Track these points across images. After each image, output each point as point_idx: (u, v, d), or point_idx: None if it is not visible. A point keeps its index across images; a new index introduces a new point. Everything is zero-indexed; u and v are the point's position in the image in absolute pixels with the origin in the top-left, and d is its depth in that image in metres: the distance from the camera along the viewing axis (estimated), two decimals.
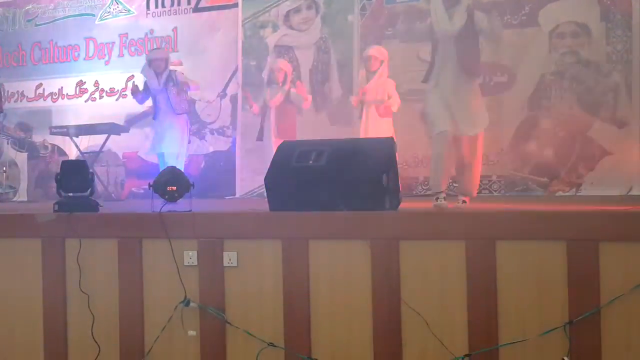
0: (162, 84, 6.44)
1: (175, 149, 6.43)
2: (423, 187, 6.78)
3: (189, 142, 6.83)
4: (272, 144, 6.12)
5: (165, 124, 6.48)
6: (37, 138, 8.74)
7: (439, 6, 4.49)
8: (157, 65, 6.49)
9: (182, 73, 6.75)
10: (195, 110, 7.78)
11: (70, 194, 4.27)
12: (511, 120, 6.77)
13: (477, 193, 4.88)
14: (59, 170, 4.34)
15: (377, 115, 5.90)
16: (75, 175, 4.29)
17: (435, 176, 4.54)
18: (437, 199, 4.45)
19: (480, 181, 6.47)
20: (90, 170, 4.50)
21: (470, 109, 4.43)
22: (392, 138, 4.54)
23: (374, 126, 5.85)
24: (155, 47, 8.06)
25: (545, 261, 3.39)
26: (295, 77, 7.13)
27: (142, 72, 6.69)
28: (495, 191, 6.79)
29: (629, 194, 6.30)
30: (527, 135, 6.75)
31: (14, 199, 8.54)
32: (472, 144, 4.47)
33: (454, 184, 4.73)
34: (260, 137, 6.58)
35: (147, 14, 8.35)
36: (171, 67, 6.69)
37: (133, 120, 7.97)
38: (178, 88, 6.43)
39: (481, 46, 4.56)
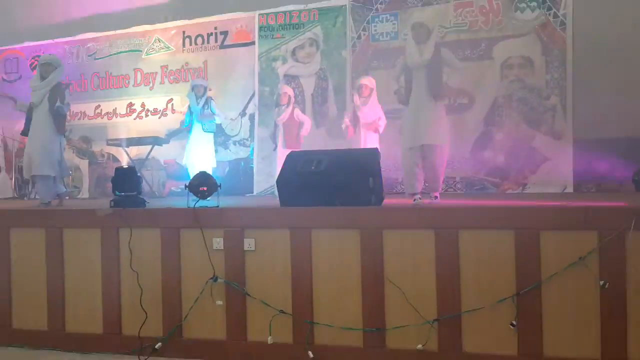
0: (200, 106, 6.47)
1: (204, 159, 6.43)
2: (401, 186, 6.77)
3: (216, 151, 6.85)
4: (282, 153, 6.10)
5: (197, 139, 6.50)
6: (96, 148, 8.74)
7: (412, 43, 4.49)
8: (198, 90, 6.54)
9: (214, 100, 6.78)
10: (222, 129, 7.79)
11: (123, 193, 4.27)
12: (471, 133, 6.77)
13: (444, 191, 4.88)
14: (114, 175, 4.34)
15: (368, 132, 5.88)
16: (127, 178, 4.29)
17: (409, 183, 4.55)
18: (414, 199, 4.45)
19: (446, 182, 6.53)
20: (138, 174, 4.49)
21: (436, 126, 4.42)
22: (376, 148, 4.54)
23: (365, 139, 5.86)
24: (191, 77, 8.06)
25: (498, 246, 3.40)
26: (298, 100, 7.18)
27: (187, 95, 6.74)
28: (458, 190, 6.79)
29: (564, 192, 6.31)
30: (484, 145, 6.75)
31: (78, 196, 8.55)
32: (439, 152, 4.46)
33: (426, 184, 4.73)
34: (274, 148, 6.60)
35: (182, 50, 8.34)
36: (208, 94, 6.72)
37: (172, 134, 7.97)
38: (210, 112, 6.48)
39: (445, 75, 4.55)
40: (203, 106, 6.46)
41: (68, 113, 5.41)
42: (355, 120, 5.95)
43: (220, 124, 6.91)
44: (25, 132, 5.24)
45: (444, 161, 4.56)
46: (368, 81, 6.01)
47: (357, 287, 3.61)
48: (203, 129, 6.46)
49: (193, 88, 6.62)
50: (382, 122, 5.86)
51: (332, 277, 3.67)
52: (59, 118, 5.12)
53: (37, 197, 5.99)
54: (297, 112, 6.57)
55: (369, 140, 5.85)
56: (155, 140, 7.80)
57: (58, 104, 5.07)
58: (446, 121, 4.64)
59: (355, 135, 5.91)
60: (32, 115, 5.18)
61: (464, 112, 6.78)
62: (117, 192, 4.27)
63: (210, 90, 6.97)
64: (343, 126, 6.04)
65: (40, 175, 5.12)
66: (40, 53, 9.10)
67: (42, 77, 5.17)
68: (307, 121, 6.56)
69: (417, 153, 4.37)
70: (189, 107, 6.61)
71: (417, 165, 4.42)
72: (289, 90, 6.64)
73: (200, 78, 7.08)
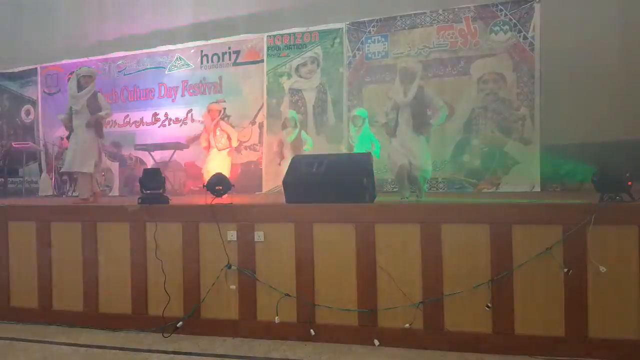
0: (216, 127, 6.51)
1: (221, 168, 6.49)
2: (391, 186, 6.77)
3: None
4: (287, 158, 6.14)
5: (215, 153, 6.55)
6: (125, 152, 8.70)
7: (398, 83, 4.48)
8: (212, 113, 6.58)
9: (228, 122, 6.82)
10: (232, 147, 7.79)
11: (149, 192, 4.26)
12: (451, 139, 6.75)
13: (428, 190, 4.87)
14: (141, 175, 4.34)
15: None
16: (153, 179, 4.28)
17: (400, 189, 4.56)
18: (402, 197, 4.46)
19: (430, 182, 6.51)
20: (163, 175, 4.48)
21: (421, 154, 4.42)
22: (370, 153, 4.53)
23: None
24: (207, 92, 8.06)
25: (475, 238, 3.41)
26: (302, 113, 7.20)
27: (202, 117, 6.78)
28: (440, 189, 6.78)
29: (532, 191, 6.31)
30: (463, 150, 6.73)
31: (110, 194, 8.53)
32: (423, 172, 4.47)
33: (412, 191, 4.75)
34: (279, 162, 6.66)
35: (200, 67, 8.33)
36: (221, 105, 6.75)
37: (191, 141, 7.95)
38: (221, 130, 6.53)
39: (428, 115, 4.55)
40: (217, 127, 6.55)
41: (108, 116, 5.43)
42: (350, 149, 5.95)
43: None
44: (69, 136, 5.27)
45: (428, 177, 4.60)
46: (360, 112, 6.08)
47: (352, 274, 3.63)
48: (217, 148, 6.52)
49: (209, 111, 6.73)
50: (377, 149, 5.83)
51: (331, 265, 3.69)
52: (98, 124, 5.17)
53: (74, 194, 5.99)
54: (304, 134, 6.67)
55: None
56: (177, 146, 7.79)
57: (102, 112, 5.13)
58: (428, 147, 4.63)
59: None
60: (72, 120, 5.19)
61: (445, 121, 6.76)
62: (144, 191, 4.27)
63: (224, 101, 6.96)
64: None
65: (80, 172, 5.14)
66: (76, 69, 9.11)
67: (80, 87, 5.19)
68: (309, 140, 6.68)
69: (405, 171, 4.38)
70: (205, 128, 6.65)
71: (405, 182, 4.43)
72: (294, 115, 6.77)
73: (215, 102, 7.05)
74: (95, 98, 5.18)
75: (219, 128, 6.49)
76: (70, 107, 5.22)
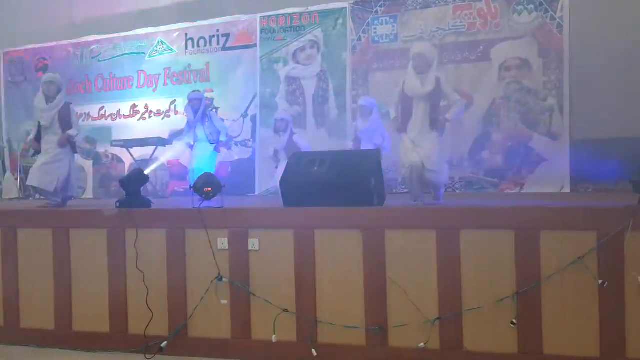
0: (199, 119, 6.47)
1: (207, 167, 6.44)
2: (401, 186, 6.77)
3: (218, 152, 6.88)
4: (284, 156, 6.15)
5: (201, 150, 6.52)
6: (100, 149, 8.73)
7: (412, 72, 4.46)
8: (194, 104, 6.55)
9: (215, 111, 6.82)
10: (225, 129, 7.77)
11: (130, 194, 4.25)
12: (470, 134, 6.76)
13: (444, 191, 4.88)
14: (127, 175, 4.35)
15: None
16: (135, 179, 4.28)
17: (413, 192, 4.56)
18: (415, 200, 4.46)
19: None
20: (148, 175, 4.47)
21: (435, 154, 4.41)
22: (378, 150, 4.54)
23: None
24: (192, 80, 8.07)
25: (498, 245, 3.41)
26: (300, 104, 7.23)
27: (184, 109, 6.75)
28: (457, 189, 6.79)
29: (561, 192, 6.32)
30: (482, 145, 6.74)
31: (83, 197, 8.54)
32: (439, 176, 4.47)
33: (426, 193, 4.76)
34: (276, 166, 6.75)
35: (185, 52, 8.33)
36: (208, 95, 6.74)
37: (175, 135, 7.96)
38: (211, 124, 6.50)
39: (443, 108, 4.56)
40: (202, 119, 6.46)
41: (80, 136, 5.42)
42: (356, 144, 5.91)
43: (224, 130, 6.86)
44: (37, 149, 5.16)
45: (444, 180, 4.59)
46: (367, 102, 5.96)
47: (359, 286, 3.62)
48: (209, 141, 6.50)
49: (189, 102, 6.61)
50: (387, 143, 5.80)
51: (335, 277, 3.68)
52: (71, 141, 5.12)
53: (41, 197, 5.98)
54: (297, 138, 6.71)
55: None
56: (159, 141, 7.79)
57: (71, 132, 5.05)
58: (440, 145, 4.63)
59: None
60: (40, 139, 5.11)
61: (463, 114, 6.78)
62: (124, 193, 4.26)
63: (212, 91, 6.96)
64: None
65: (37, 187, 5.12)
66: (44, 55, 9.10)
67: (47, 97, 5.10)
68: (306, 144, 6.73)
69: (418, 172, 4.38)
70: (188, 123, 6.60)
71: (419, 182, 4.43)
72: (286, 116, 6.84)
73: (195, 92, 7.02)
74: (67, 110, 5.11)
75: (206, 120, 6.46)
76: (39, 123, 5.12)
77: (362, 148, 5.81)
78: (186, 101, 6.75)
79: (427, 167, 4.35)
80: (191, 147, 6.63)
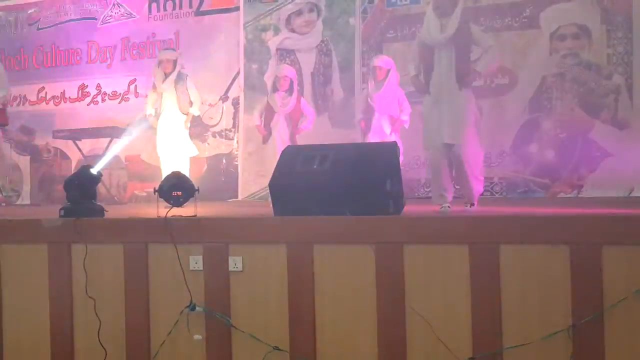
0: (170, 85, 6.50)
1: (178, 149, 6.48)
2: (425, 189, 6.79)
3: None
4: (277, 148, 6.03)
5: (170, 125, 6.53)
6: (39, 141, 8.75)
7: (432, 15, 4.49)
8: (165, 66, 6.56)
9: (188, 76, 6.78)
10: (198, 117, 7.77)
11: (77, 200, 4.26)
12: (513, 122, 6.78)
13: (480, 195, 4.90)
14: (69, 176, 4.35)
15: (388, 125, 5.79)
16: (83, 180, 4.29)
17: (436, 191, 4.56)
18: (442, 207, 4.47)
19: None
20: (97, 173, 4.48)
21: (464, 120, 4.42)
22: (395, 143, 4.56)
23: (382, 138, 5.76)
24: (158, 51, 8.07)
25: (549, 265, 3.40)
26: (299, 84, 7.12)
27: (152, 72, 6.78)
28: (497, 193, 6.80)
29: (630, 195, 6.32)
30: (529, 137, 6.76)
31: (17, 203, 8.55)
32: (469, 154, 4.45)
33: (457, 187, 4.76)
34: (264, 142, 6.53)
35: (148, 17, 8.36)
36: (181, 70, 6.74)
37: (136, 124, 7.97)
38: (184, 89, 6.52)
39: (474, 55, 4.57)
40: (177, 85, 6.50)
41: (7, 98, 5.40)
42: (369, 114, 5.89)
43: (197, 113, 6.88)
44: None
45: (477, 164, 4.55)
46: (383, 62, 5.94)
47: (371, 318, 3.62)
48: (181, 112, 6.52)
49: (159, 63, 6.65)
50: (407, 114, 5.80)
51: (339, 305, 3.68)
52: None
53: None
54: (304, 102, 6.48)
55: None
56: (115, 132, 7.81)
57: None
58: (476, 111, 4.64)
59: (372, 133, 5.85)
60: None
61: (503, 96, 6.80)
62: (70, 198, 4.25)
63: (183, 68, 6.99)
64: (355, 120, 6.04)
65: None
66: None
67: None
68: (312, 114, 6.47)
69: (444, 152, 4.38)
70: (154, 86, 6.63)
71: (445, 168, 4.42)
72: (290, 73, 6.48)
73: (169, 50, 7.07)
74: None
75: (180, 85, 6.47)
76: None
77: (374, 120, 5.82)
78: (151, 76, 6.76)
79: (450, 140, 4.34)
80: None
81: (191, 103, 6.62)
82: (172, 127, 6.57)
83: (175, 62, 6.64)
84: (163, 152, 6.60)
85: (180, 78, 6.57)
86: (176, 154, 6.46)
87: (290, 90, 6.26)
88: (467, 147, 4.44)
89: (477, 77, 4.56)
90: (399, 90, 5.89)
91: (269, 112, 6.33)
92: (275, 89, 6.35)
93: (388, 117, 5.80)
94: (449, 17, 4.40)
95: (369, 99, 5.91)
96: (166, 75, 6.55)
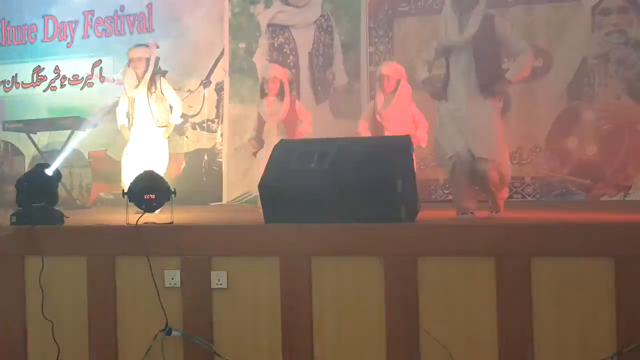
0: (143, 90, 6.41)
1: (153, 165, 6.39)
2: (444, 190, 6.80)
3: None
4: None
5: (143, 136, 6.44)
6: None
7: (449, 12, 4.50)
8: (137, 65, 6.49)
9: (166, 78, 6.74)
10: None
11: (31, 204, 4.25)
12: (547, 111, 6.79)
13: (508, 197, 4.92)
14: (22, 175, 4.35)
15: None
16: (38, 182, 4.29)
17: (458, 201, 4.58)
18: (462, 212, 4.48)
19: (512, 183, 6.51)
20: (55, 172, 4.48)
21: (488, 134, 4.43)
22: (408, 136, 4.56)
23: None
24: (129, 28, 8.08)
25: (590, 281, 3.41)
26: (293, 84, 7.04)
27: (122, 73, 6.71)
28: (529, 195, 6.81)
29: None
30: (567, 129, 6.77)
31: None
32: (494, 169, 4.46)
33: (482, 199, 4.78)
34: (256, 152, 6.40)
35: None
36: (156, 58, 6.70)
37: (101, 114, 7.98)
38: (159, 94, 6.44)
39: (502, 58, 4.60)
40: (150, 89, 6.40)
41: None
42: (375, 129, 5.87)
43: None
44: None
45: (505, 177, 4.57)
46: (392, 69, 5.88)
47: (379, 344, 3.63)
48: (156, 123, 6.42)
49: (130, 63, 6.58)
50: (423, 131, 5.80)
51: (342, 329, 3.69)
52: None
53: None
54: (299, 106, 6.37)
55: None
56: (76, 123, 7.81)
57: None
58: (500, 125, 4.64)
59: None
60: None
61: (536, 80, 6.79)
62: (23, 203, 4.25)
63: (155, 46, 6.98)
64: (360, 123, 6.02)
65: None
66: None
67: None
68: (307, 118, 6.38)
69: (465, 165, 4.39)
70: (125, 91, 6.56)
71: (467, 183, 4.45)
72: (279, 73, 6.33)
73: (141, 46, 6.97)
74: None
75: (154, 91, 6.43)
76: None
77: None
78: (121, 60, 6.71)
79: (477, 154, 4.37)
80: (126, 133, 6.57)
81: (170, 109, 6.53)
82: (147, 143, 6.44)
83: (148, 60, 6.56)
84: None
85: (155, 80, 6.46)
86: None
87: (281, 94, 6.13)
88: (493, 163, 4.44)
89: (507, 85, 4.55)
90: (410, 105, 5.85)
91: (260, 122, 6.23)
92: (263, 94, 6.22)
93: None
94: (470, 14, 4.40)
95: (377, 116, 5.87)
96: (138, 78, 6.47)
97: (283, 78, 6.19)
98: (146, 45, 7.05)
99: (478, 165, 4.40)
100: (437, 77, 4.67)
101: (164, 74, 7.10)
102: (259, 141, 6.22)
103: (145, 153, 6.41)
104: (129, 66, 6.58)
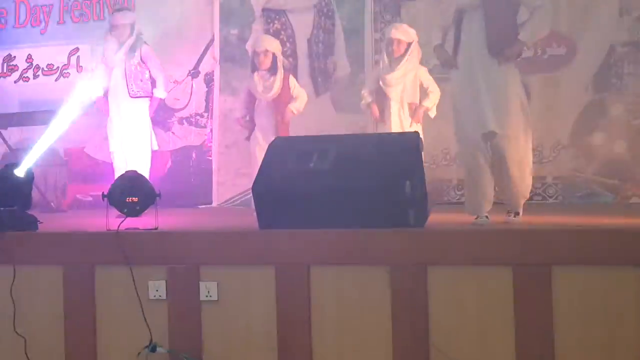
0: (124, 56, 6.43)
1: (132, 144, 6.42)
2: (456, 191, 6.80)
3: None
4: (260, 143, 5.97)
5: (121, 113, 6.47)
6: None
7: None
8: (119, 31, 6.50)
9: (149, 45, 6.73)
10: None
11: (2, 208, 4.28)
12: (571, 104, 6.77)
13: (528, 199, 4.92)
14: None
15: (407, 115, 5.76)
16: (10, 183, 4.31)
17: (471, 196, 4.57)
18: (477, 217, 4.48)
19: (532, 185, 6.50)
20: (26, 172, 4.50)
21: (506, 103, 4.42)
22: (417, 133, 4.58)
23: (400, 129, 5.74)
24: (108, 12, 8.07)
25: (617, 291, 3.43)
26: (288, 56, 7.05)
27: (104, 38, 6.73)
28: (550, 197, 6.81)
29: None
30: (592, 124, 6.76)
31: None
32: (514, 148, 4.46)
33: (496, 189, 4.77)
34: (248, 135, 6.40)
35: None
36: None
37: (80, 107, 7.98)
38: (143, 66, 6.44)
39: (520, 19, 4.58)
40: (129, 56, 6.43)
41: None
42: (382, 99, 5.87)
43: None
44: None
45: (526, 162, 4.56)
46: (402, 32, 5.90)
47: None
48: (130, 93, 6.44)
49: (111, 29, 6.61)
50: (433, 100, 5.80)
51: (344, 346, 3.71)
52: None
53: None
54: (293, 81, 6.38)
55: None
56: (51, 117, 7.82)
57: None
58: (522, 93, 4.63)
59: (384, 121, 5.83)
60: None
61: (559, 70, 6.80)
62: None
63: (141, 34, 6.99)
64: (362, 103, 6.00)
65: None
66: None
67: None
68: (302, 95, 6.39)
69: (481, 146, 4.39)
70: (105, 60, 6.59)
71: (484, 168, 4.43)
72: (271, 45, 6.36)
73: (124, 10, 7.02)
74: None
75: (133, 56, 6.43)
76: None
77: (389, 108, 5.79)
78: (100, 52, 6.72)
79: (497, 129, 4.35)
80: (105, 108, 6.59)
81: (154, 82, 6.55)
82: (128, 116, 6.46)
83: (132, 26, 6.60)
84: (116, 148, 6.52)
85: (135, 47, 6.49)
86: (134, 152, 6.38)
87: (273, 69, 6.18)
88: (512, 140, 4.43)
89: (522, 48, 4.52)
90: (421, 69, 5.87)
91: (250, 99, 6.26)
92: (254, 68, 6.28)
93: (407, 104, 5.77)
94: None
95: (380, 81, 5.86)
96: (120, 45, 6.50)
97: (276, 51, 6.22)
98: (129, 10, 7.06)
99: (493, 142, 4.38)
100: (448, 45, 4.65)
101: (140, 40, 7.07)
102: (250, 121, 6.27)
103: (126, 129, 6.45)
104: (110, 33, 6.60)
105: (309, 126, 6.37)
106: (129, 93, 6.45)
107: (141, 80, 6.49)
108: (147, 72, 6.53)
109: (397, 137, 4.73)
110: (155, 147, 6.67)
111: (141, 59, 6.50)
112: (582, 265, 3.48)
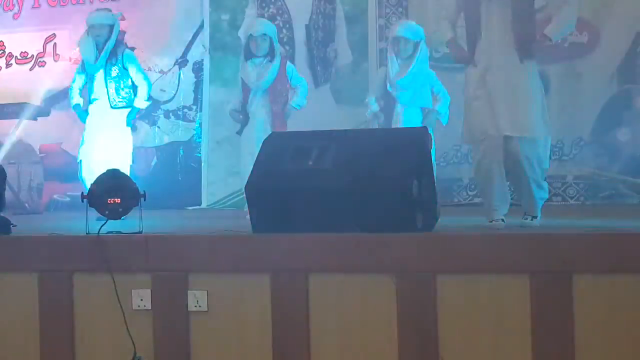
0: (103, 61, 6.40)
1: (112, 157, 6.39)
2: (468, 192, 6.81)
3: (134, 129, 6.83)
4: (254, 137, 5.98)
5: (99, 123, 6.45)
6: None
7: None
8: (97, 33, 6.48)
9: (131, 47, 6.72)
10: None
11: None
12: (594, 97, 6.79)
13: (547, 200, 4.92)
14: None
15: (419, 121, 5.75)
16: None
17: (487, 200, 4.57)
18: (492, 220, 4.49)
19: (550, 183, 6.53)
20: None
21: (526, 104, 4.43)
22: (425, 128, 4.57)
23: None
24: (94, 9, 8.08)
25: None
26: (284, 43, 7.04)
27: (78, 43, 6.70)
28: (571, 198, 6.82)
29: None
30: (617, 118, 6.77)
31: None
32: (532, 151, 4.47)
33: (511, 191, 4.78)
34: (240, 130, 6.40)
35: None
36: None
37: (55, 99, 8.00)
38: (124, 73, 6.42)
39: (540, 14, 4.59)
40: (110, 62, 6.41)
41: None
42: (389, 104, 5.87)
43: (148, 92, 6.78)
44: None
45: (542, 164, 4.56)
46: (409, 30, 5.87)
47: None
48: (111, 104, 6.43)
49: (89, 30, 6.59)
50: (444, 105, 5.79)
51: (345, 357, 3.70)
52: None
53: None
54: (292, 69, 6.36)
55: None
56: (25, 110, 7.83)
57: None
58: (541, 89, 4.63)
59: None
60: None
61: (580, 59, 6.81)
62: None
63: (122, 19, 6.99)
64: (368, 113, 6.00)
65: None
66: None
67: None
68: (303, 85, 6.38)
69: (497, 148, 4.39)
70: (83, 65, 6.58)
71: (499, 171, 4.43)
72: (268, 30, 6.35)
73: (102, 11, 6.97)
74: None
75: (114, 63, 6.44)
76: None
77: (397, 114, 5.81)
78: (80, 34, 6.71)
79: (516, 132, 4.35)
80: (81, 115, 6.57)
81: (134, 89, 6.52)
82: (108, 127, 6.44)
83: (112, 28, 6.55)
84: (85, 157, 6.47)
85: (116, 53, 6.46)
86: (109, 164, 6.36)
87: (270, 55, 6.21)
88: (530, 142, 4.44)
89: (547, 44, 4.53)
90: (430, 73, 5.86)
91: (243, 89, 6.25)
92: (249, 55, 6.32)
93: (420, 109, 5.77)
94: None
95: (388, 84, 5.86)
96: (99, 49, 6.47)
97: (272, 35, 6.26)
98: (109, 10, 7.05)
99: (509, 146, 4.38)
100: (462, 38, 4.64)
101: (132, 50, 7.08)
102: (243, 114, 6.28)
103: (104, 140, 6.44)
104: (87, 35, 6.58)
105: (307, 120, 6.37)
106: (110, 103, 6.44)
107: (122, 89, 6.47)
108: (130, 79, 6.50)
109: (404, 132, 4.73)
110: (130, 162, 6.59)
111: (123, 65, 6.49)
112: (605, 273, 3.48)
